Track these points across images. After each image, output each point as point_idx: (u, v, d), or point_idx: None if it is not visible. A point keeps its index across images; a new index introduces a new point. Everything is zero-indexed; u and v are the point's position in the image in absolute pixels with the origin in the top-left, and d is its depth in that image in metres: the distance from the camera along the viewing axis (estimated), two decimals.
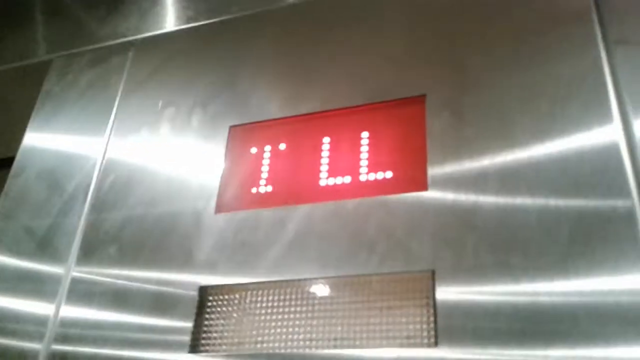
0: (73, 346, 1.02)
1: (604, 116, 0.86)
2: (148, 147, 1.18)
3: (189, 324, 0.94)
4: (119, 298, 1.03)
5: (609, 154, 0.83)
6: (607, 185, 0.81)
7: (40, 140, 1.34)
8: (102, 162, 1.21)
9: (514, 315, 0.77)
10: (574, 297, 0.76)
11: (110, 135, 1.24)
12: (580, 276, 0.76)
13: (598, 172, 0.82)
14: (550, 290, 0.77)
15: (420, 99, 0.99)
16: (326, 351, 0.85)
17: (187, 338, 0.93)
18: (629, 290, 0.74)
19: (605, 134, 0.85)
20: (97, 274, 1.07)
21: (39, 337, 1.05)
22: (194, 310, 0.95)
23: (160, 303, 0.99)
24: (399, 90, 1.02)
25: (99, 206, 1.15)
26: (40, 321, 1.07)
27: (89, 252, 1.10)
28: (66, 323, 1.05)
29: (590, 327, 0.73)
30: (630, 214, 0.78)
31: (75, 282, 1.08)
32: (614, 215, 0.78)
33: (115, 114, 1.27)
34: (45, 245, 1.16)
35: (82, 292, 1.07)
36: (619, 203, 0.79)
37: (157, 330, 0.97)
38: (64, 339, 1.03)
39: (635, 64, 0.89)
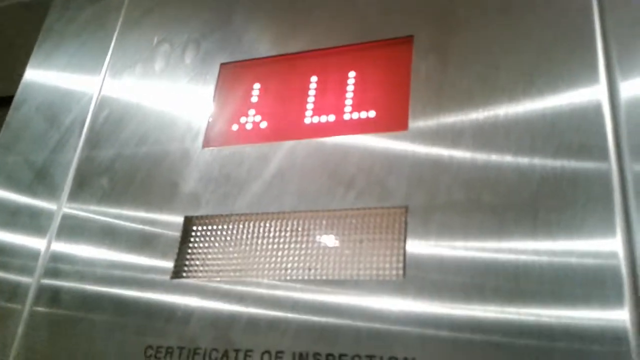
0: (62, 281, 1.05)
1: (589, 67, 0.84)
2: (142, 83, 1.20)
3: (173, 252, 0.98)
4: (108, 230, 1.06)
5: (591, 109, 0.81)
6: (585, 142, 0.79)
7: (40, 75, 1.36)
8: (97, 98, 1.23)
9: (480, 258, 0.79)
10: (542, 255, 0.76)
11: (106, 71, 1.26)
12: (548, 233, 0.76)
13: (578, 125, 0.81)
14: (517, 247, 0.78)
15: (408, 40, 0.99)
16: (300, 279, 0.88)
17: (170, 265, 0.97)
18: (594, 252, 0.73)
19: (590, 90, 0.83)
20: (87, 210, 1.10)
21: (30, 271, 1.08)
22: (178, 239, 0.99)
23: (146, 233, 1.02)
24: (388, 30, 1.02)
25: (93, 140, 1.18)
26: (32, 255, 1.10)
27: (82, 184, 1.14)
28: (56, 258, 1.08)
29: (555, 288, 0.73)
30: (605, 176, 0.77)
31: (66, 217, 1.12)
32: (589, 172, 0.77)
33: (112, 50, 1.28)
34: (42, 178, 1.20)
35: (72, 228, 1.10)
36: (594, 164, 0.78)
37: (143, 259, 1.00)
38: (54, 273, 1.07)
39: (624, 9, 0.87)
